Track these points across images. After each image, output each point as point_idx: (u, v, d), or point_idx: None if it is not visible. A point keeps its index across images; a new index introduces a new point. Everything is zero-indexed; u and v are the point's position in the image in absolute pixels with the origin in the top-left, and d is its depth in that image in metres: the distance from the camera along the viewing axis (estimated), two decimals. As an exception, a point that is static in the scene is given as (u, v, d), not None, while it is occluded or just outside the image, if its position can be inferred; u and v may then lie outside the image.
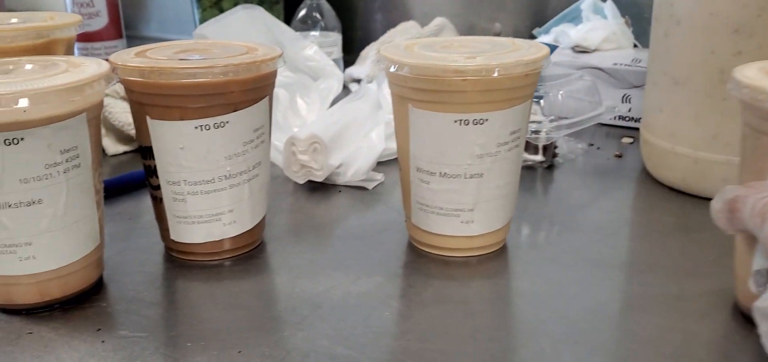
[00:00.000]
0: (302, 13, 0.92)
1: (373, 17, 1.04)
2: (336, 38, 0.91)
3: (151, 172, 0.41)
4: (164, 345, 0.34)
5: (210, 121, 0.39)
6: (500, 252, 0.45)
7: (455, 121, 0.40)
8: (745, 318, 0.36)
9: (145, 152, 0.41)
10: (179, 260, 0.44)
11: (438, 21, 0.86)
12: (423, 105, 0.40)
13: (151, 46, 0.43)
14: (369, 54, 0.83)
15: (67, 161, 0.35)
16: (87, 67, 0.37)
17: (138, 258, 0.44)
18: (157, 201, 0.42)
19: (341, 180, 0.56)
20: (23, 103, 0.32)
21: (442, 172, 0.41)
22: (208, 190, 0.41)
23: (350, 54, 0.96)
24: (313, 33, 0.89)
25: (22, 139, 0.33)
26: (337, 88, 0.65)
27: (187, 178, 0.40)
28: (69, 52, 0.44)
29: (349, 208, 0.53)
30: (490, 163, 0.41)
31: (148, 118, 0.39)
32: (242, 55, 0.41)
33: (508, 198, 0.43)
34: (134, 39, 1.02)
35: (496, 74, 0.38)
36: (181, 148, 0.40)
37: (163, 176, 0.41)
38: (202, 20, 0.96)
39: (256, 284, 0.41)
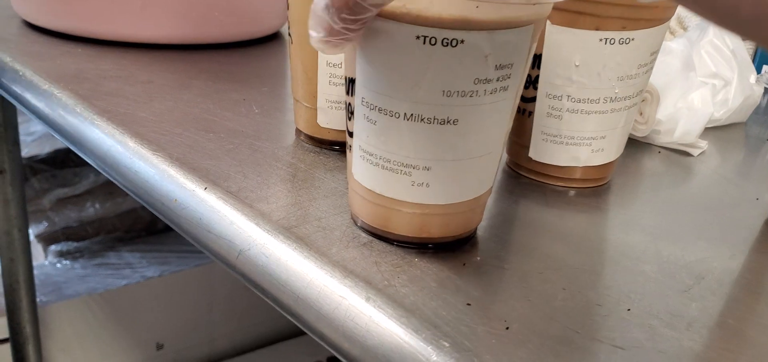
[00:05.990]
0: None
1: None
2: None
3: (529, 82, 0.39)
4: (525, 279, 0.31)
5: (618, 34, 0.35)
6: None
7: None
8: None
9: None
10: (521, 177, 0.41)
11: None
12: None
13: None
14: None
15: (497, 80, 0.28)
16: None
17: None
18: (523, 115, 0.40)
19: (663, 139, 0.50)
20: None
21: None
22: (589, 111, 0.38)
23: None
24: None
25: (461, 41, 0.26)
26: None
27: (572, 94, 0.37)
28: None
29: (672, 173, 0.47)
30: None
31: (547, 23, 0.36)
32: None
33: None
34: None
35: None
36: (577, 62, 0.36)
37: (545, 88, 0.38)
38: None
39: (609, 232, 0.37)
